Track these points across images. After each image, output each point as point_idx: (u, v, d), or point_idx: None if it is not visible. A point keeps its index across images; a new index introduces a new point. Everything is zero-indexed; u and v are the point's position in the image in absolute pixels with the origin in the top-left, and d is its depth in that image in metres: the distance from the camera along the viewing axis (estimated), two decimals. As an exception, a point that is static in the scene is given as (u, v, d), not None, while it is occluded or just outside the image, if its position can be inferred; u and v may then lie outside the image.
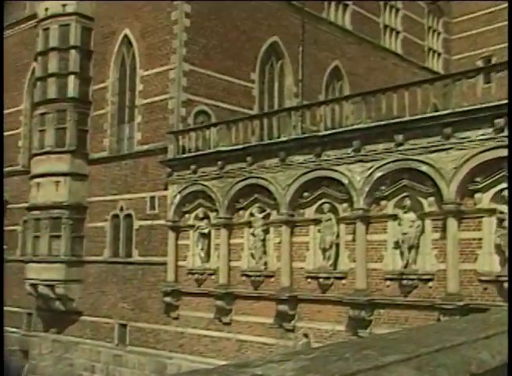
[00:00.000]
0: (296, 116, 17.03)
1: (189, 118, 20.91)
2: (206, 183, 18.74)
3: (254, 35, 23.65)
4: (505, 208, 12.82)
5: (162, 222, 20.31)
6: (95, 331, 22.69)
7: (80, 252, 23.22)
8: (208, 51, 21.85)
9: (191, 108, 21.05)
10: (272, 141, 17.18)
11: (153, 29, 21.90)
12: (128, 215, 22.03)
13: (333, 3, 27.89)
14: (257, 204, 17.60)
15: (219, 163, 18.30)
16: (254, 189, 17.55)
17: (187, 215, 19.51)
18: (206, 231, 18.87)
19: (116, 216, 22.47)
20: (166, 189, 20.25)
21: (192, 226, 19.29)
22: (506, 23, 32.35)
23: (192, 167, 19.08)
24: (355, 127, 15.30)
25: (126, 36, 23.02)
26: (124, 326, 21.74)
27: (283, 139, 16.85)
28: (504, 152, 12.77)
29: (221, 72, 22.16)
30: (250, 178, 17.59)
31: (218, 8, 22.24)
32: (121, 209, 22.25)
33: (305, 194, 16.39)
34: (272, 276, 17.16)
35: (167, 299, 19.72)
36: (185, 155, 19.55)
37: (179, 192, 19.53)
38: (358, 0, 28.90)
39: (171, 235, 19.73)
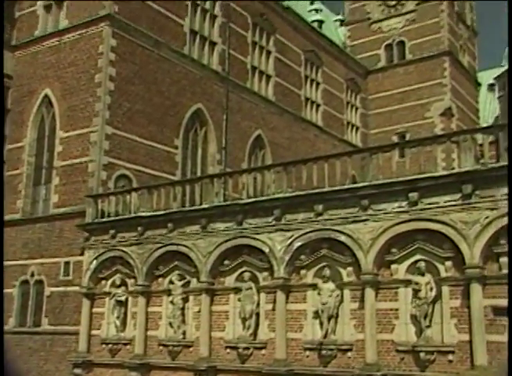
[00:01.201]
0: (218, 183, 17.09)
1: (109, 182, 20.51)
2: (125, 249, 18.23)
3: (179, 101, 23.92)
4: (419, 279, 13.23)
5: (76, 288, 19.47)
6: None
7: (-18, 321, 21.65)
8: (132, 115, 21.80)
9: (112, 172, 20.69)
10: (194, 208, 17.07)
11: (76, 90, 21.66)
12: (39, 281, 20.92)
13: (256, 74, 28.87)
14: (176, 272, 17.26)
15: (139, 228, 17.92)
16: (175, 256, 17.24)
17: (103, 282, 18.81)
18: (123, 299, 18.22)
19: (25, 282, 21.28)
20: (82, 254, 19.50)
21: (108, 293, 18.58)
22: (418, 102, 34.76)
23: (111, 232, 18.57)
24: (276, 196, 15.53)
25: (47, 96, 22.63)
26: (26, 402, 20.17)
27: (204, 205, 16.81)
28: (418, 225, 13.30)
29: (145, 137, 22.10)
30: (170, 244, 17.29)
31: (142, 73, 22.42)
32: (32, 274, 21.13)
33: (226, 262, 16.26)
34: (190, 346, 16.68)
35: (77, 371, 18.65)
36: (104, 219, 19.02)
37: (96, 257, 18.86)
38: (280, 73, 30.12)
39: (86, 302, 18.87)
